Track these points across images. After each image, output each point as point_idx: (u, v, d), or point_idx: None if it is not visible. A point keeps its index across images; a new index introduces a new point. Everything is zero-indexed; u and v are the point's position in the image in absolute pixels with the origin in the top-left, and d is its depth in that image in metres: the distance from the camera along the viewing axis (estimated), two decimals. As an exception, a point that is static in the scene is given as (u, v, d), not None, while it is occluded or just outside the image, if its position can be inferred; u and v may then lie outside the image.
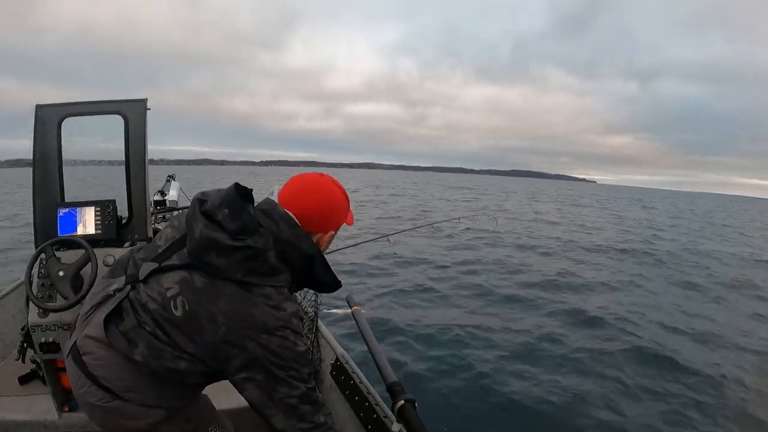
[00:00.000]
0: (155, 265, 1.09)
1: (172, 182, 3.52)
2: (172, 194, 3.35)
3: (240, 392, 1.04)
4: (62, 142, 2.03)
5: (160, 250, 1.12)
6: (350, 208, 1.22)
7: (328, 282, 1.16)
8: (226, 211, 1.01)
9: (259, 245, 1.01)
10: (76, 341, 1.12)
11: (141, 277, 1.09)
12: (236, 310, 1.00)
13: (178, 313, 1.02)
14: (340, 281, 1.19)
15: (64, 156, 2.04)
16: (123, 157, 2.07)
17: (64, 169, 2.06)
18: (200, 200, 1.06)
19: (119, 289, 1.12)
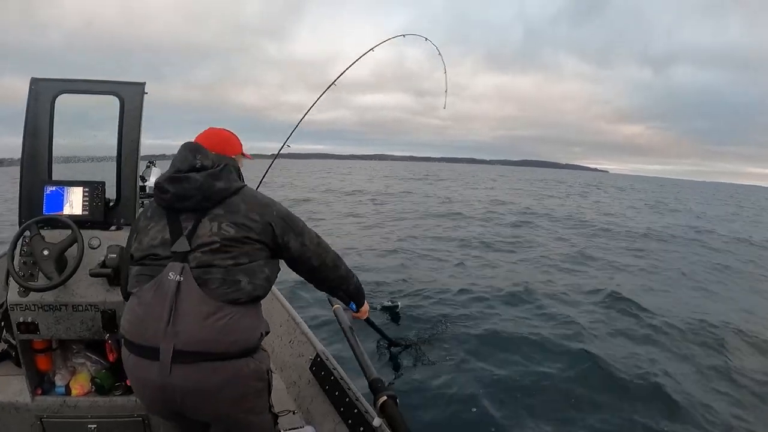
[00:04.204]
0: (183, 237, 1.28)
1: (153, 168, 3.45)
2: (152, 181, 3.29)
3: (285, 248, 1.40)
4: (54, 119, 1.99)
5: (166, 232, 1.30)
6: (243, 148, 1.61)
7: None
8: (198, 155, 1.36)
9: (226, 161, 1.40)
10: (174, 347, 1.18)
11: (187, 249, 1.26)
12: (251, 203, 1.36)
13: (232, 232, 1.29)
14: None
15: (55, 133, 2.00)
16: (112, 148, 2.05)
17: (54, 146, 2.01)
18: (174, 175, 1.32)
19: (179, 273, 1.23)
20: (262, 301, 1.39)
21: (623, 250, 9.48)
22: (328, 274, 1.55)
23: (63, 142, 2.06)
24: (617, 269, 7.67)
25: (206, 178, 1.31)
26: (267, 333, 1.40)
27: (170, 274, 1.23)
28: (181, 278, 1.22)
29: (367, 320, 2.39)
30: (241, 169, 1.54)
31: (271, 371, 1.40)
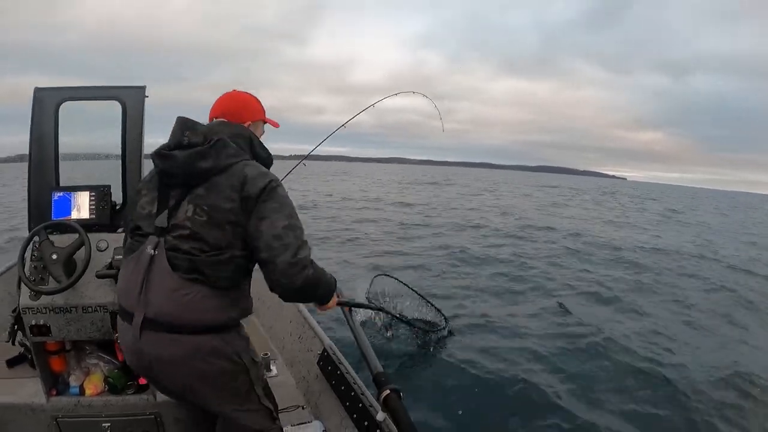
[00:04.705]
0: (164, 213, 1.29)
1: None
2: None
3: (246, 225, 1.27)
4: (59, 126, 2.04)
5: (154, 206, 1.32)
6: (266, 114, 1.54)
7: (265, 156, 1.44)
8: (186, 131, 1.32)
9: (223, 136, 1.31)
10: (144, 315, 1.26)
11: (165, 225, 1.28)
12: (236, 177, 1.27)
13: (204, 219, 1.25)
14: (272, 156, 1.47)
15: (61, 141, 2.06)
16: (118, 148, 2.10)
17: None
18: (161, 150, 1.31)
19: (155, 247, 1.28)
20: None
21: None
22: (273, 278, 1.25)
23: (68, 142, 2.10)
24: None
25: (189, 156, 1.27)
26: (244, 316, 1.38)
27: (148, 247, 1.29)
28: (155, 252, 1.28)
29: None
30: (261, 138, 1.47)
31: (253, 358, 1.40)
